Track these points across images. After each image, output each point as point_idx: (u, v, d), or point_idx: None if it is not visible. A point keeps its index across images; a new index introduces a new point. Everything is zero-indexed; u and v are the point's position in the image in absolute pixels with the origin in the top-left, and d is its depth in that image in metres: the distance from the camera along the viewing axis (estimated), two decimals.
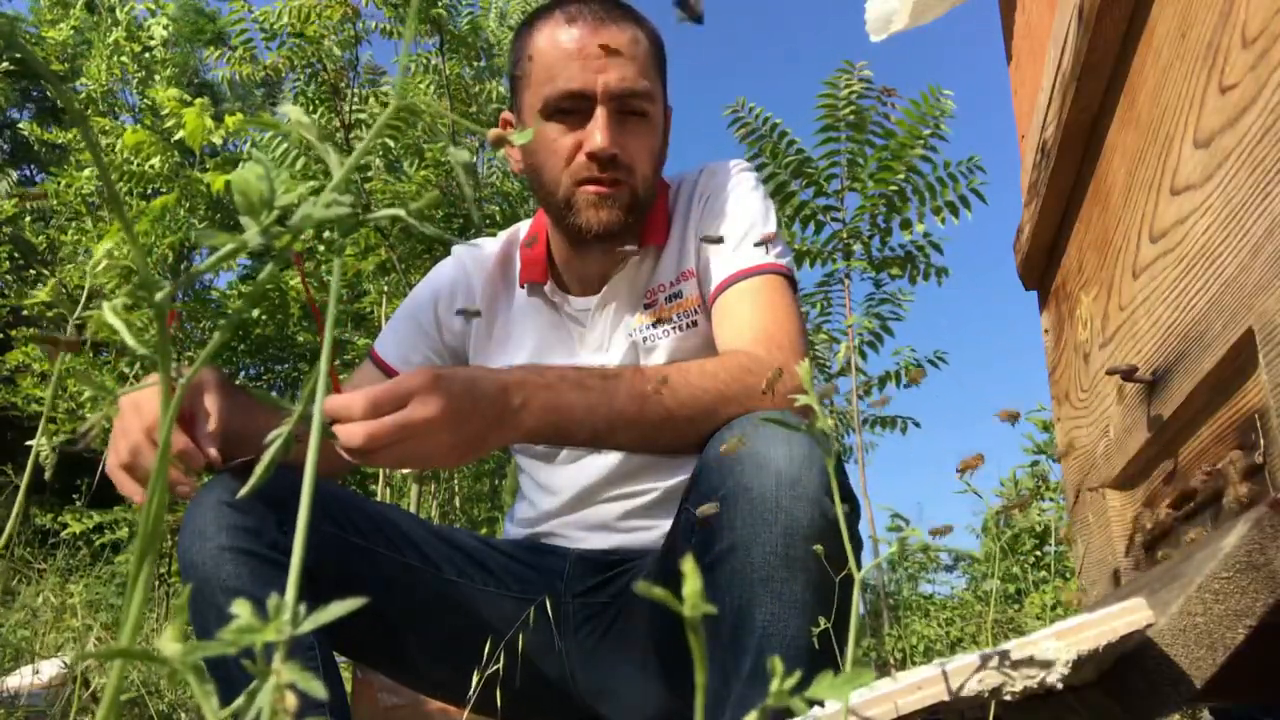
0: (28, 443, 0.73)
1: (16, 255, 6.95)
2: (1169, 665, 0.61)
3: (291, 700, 0.27)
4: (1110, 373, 0.90)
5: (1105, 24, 0.92)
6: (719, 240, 1.19)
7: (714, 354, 1.12)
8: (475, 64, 4.97)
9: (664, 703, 1.15)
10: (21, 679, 1.89)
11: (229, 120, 4.41)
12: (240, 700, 0.29)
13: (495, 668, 1.11)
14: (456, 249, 1.41)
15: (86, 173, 5.71)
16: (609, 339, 1.26)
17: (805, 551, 0.86)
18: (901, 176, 3.56)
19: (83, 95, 6.00)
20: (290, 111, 0.35)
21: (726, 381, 1.01)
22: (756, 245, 1.19)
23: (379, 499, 4.32)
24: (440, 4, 4.37)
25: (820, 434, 0.56)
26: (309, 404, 0.34)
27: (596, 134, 1.16)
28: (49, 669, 1.93)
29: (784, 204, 3.70)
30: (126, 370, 4.97)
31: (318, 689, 0.26)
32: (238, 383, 1.11)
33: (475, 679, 1.10)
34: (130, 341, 0.34)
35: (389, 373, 1.30)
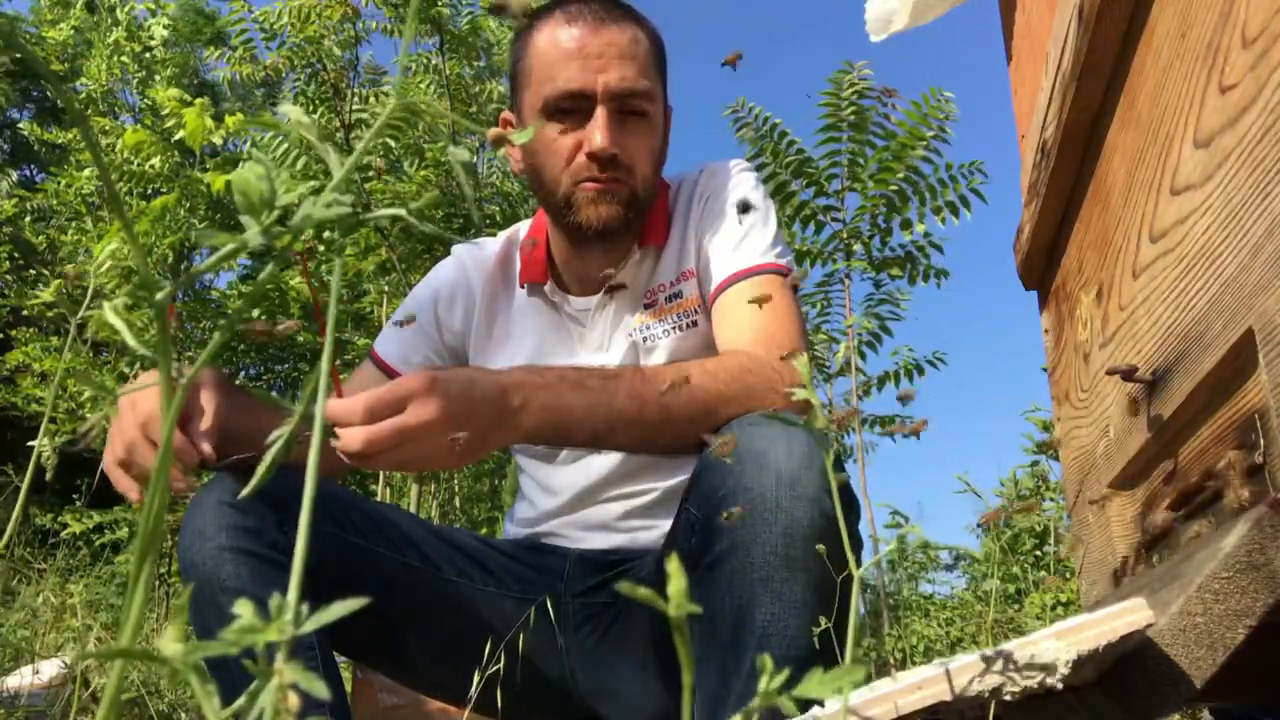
0: (29, 443, 0.73)
1: (16, 255, 6.95)
2: (1169, 665, 0.61)
3: (294, 700, 0.27)
4: (1110, 373, 0.90)
5: (1105, 24, 0.92)
6: (747, 209, 1.19)
7: (714, 354, 1.12)
8: (475, 64, 4.98)
9: (664, 703, 1.15)
10: (21, 679, 1.89)
11: (229, 120, 4.41)
12: (242, 700, 0.29)
13: (495, 668, 1.11)
14: (456, 249, 1.41)
15: (86, 173, 5.71)
16: (609, 339, 1.26)
17: (805, 551, 0.86)
18: (901, 176, 3.56)
19: (83, 95, 6.00)
20: (290, 111, 0.35)
21: (726, 381, 1.01)
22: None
23: (379, 499, 4.32)
24: (440, 4, 4.37)
25: (820, 434, 0.56)
26: (310, 404, 0.34)
27: (596, 134, 1.16)
28: (49, 669, 1.93)
29: (784, 204, 3.70)
30: (126, 370, 4.97)
31: (320, 689, 0.26)
32: (237, 383, 1.12)
33: (475, 679, 1.10)
34: (131, 341, 0.34)
35: (389, 373, 1.30)
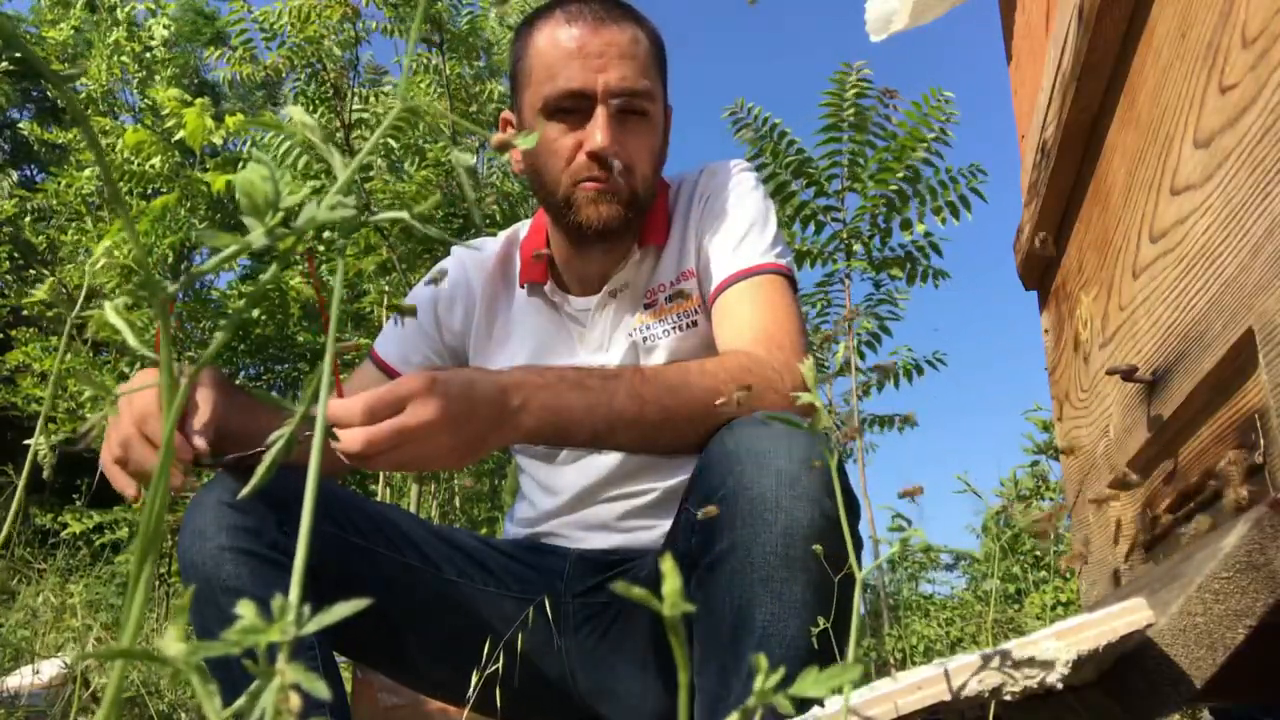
0: (25, 441, 0.73)
1: (16, 255, 6.96)
2: (1169, 665, 0.61)
3: (295, 701, 0.27)
4: (1110, 373, 0.90)
5: (1105, 24, 0.92)
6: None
7: (714, 354, 1.12)
8: (475, 63, 4.98)
9: (664, 703, 1.15)
10: (21, 679, 1.89)
11: (229, 120, 4.41)
12: (242, 700, 0.29)
13: (495, 668, 1.11)
14: (456, 249, 1.41)
15: (87, 173, 5.71)
16: (609, 339, 1.26)
17: (805, 551, 0.86)
18: (901, 176, 3.56)
19: (83, 95, 6.00)
20: (294, 113, 0.35)
21: (726, 381, 1.01)
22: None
23: (379, 499, 4.32)
24: (440, 3, 4.37)
25: (821, 433, 0.56)
26: (311, 404, 0.34)
27: (597, 133, 1.16)
28: (49, 669, 1.93)
29: (784, 204, 3.70)
30: (127, 370, 4.97)
31: (321, 689, 0.26)
32: (237, 383, 1.12)
33: (475, 679, 1.10)
34: (131, 341, 0.34)
35: (389, 373, 1.30)
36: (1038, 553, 4.60)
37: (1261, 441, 0.64)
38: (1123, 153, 0.93)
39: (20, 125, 8.83)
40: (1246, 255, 0.64)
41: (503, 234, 1.41)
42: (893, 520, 4.26)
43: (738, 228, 1.22)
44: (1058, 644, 0.61)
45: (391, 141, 4.35)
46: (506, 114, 1.30)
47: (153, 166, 4.88)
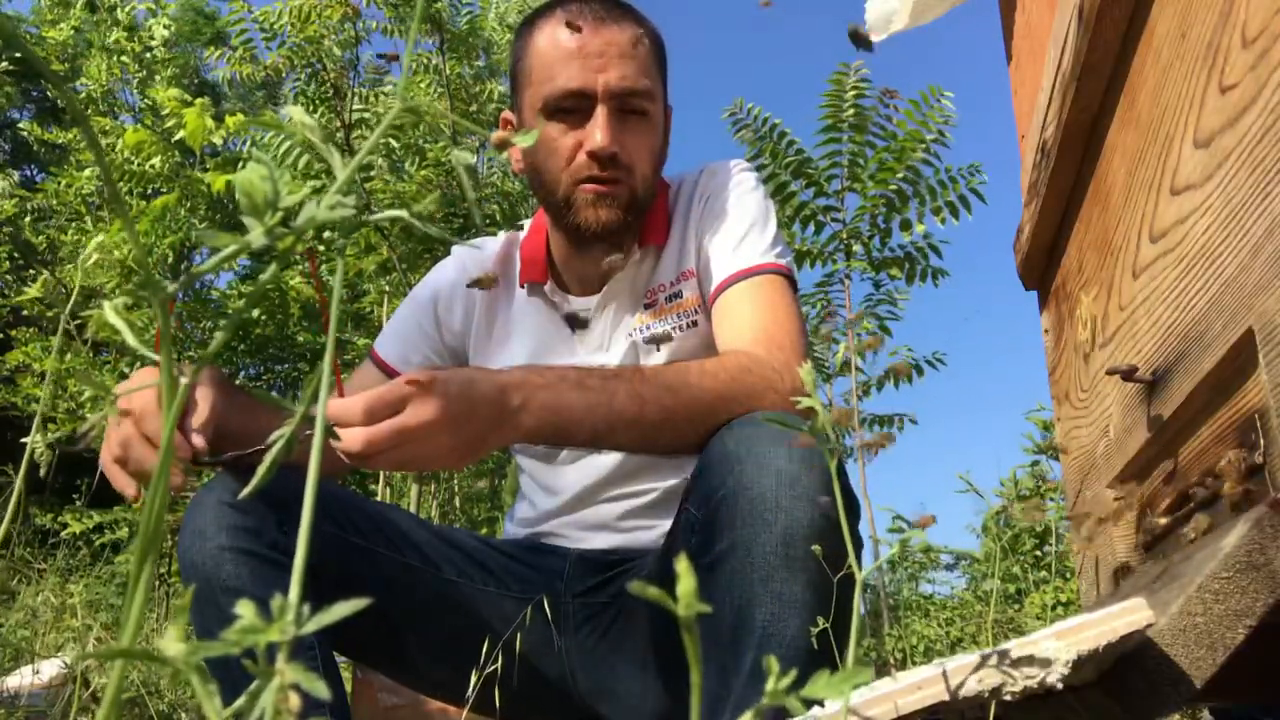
0: (24, 441, 0.73)
1: (16, 255, 6.95)
2: (1169, 665, 0.61)
3: (295, 701, 0.27)
4: (1110, 373, 0.90)
5: (1105, 24, 0.92)
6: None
7: (714, 354, 1.12)
8: (475, 63, 4.98)
9: (664, 703, 1.15)
10: (21, 679, 1.89)
11: (229, 120, 4.41)
12: (242, 700, 0.29)
13: (494, 667, 1.11)
14: (456, 249, 1.41)
15: (87, 173, 5.71)
16: (609, 339, 1.26)
17: (805, 551, 0.86)
18: (901, 177, 3.56)
19: (83, 95, 6.00)
20: (294, 113, 0.35)
21: (726, 381, 1.01)
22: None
23: (379, 499, 4.32)
24: (440, 2, 4.37)
25: (821, 434, 0.56)
26: (311, 404, 0.34)
27: (597, 133, 1.16)
28: (49, 669, 1.93)
29: (784, 204, 3.70)
30: (127, 370, 4.97)
31: (321, 690, 0.26)
32: (237, 383, 1.11)
33: (475, 679, 1.10)
34: (131, 341, 0.34)
35: (389, 373, 1.30)
36: (1038, 553, 4.60)
37: (1261, 441, 0.64)
38: (1123, 153, 0.94)
39: (20, 125, 8.83)
40: (1246, 255, 0.64)
41: (503, 234, 1.41)
42: (893, 521, 4.26)
43: (738, 228, 1.22)
44: (1058, 644, 0.61)
45: (392, 141, 4.35)
46: (507, 114, 1.30)
47: (153, 166, 4.88)
